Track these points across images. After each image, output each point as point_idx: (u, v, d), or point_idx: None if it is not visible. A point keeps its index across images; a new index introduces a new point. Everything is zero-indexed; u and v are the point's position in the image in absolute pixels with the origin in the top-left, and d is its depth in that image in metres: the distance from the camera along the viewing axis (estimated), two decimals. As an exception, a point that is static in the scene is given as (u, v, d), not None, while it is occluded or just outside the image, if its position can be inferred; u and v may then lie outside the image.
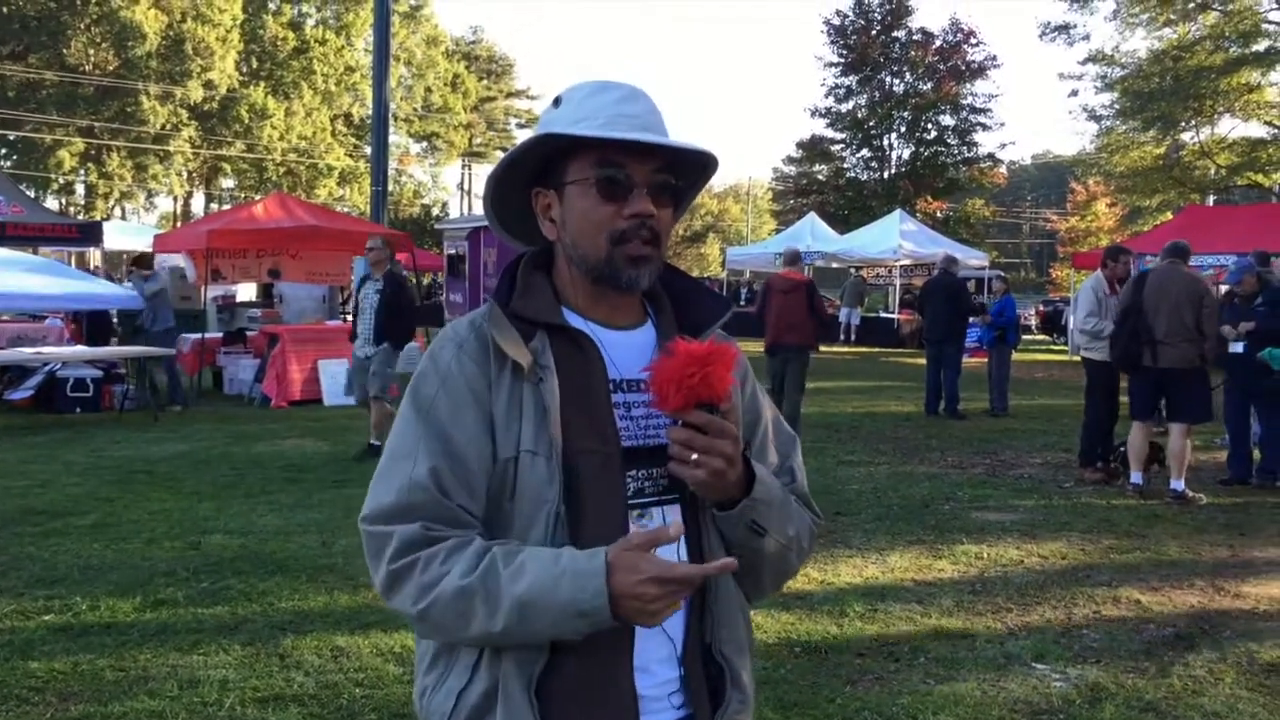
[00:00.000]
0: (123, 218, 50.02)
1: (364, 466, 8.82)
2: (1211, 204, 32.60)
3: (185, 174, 53.95)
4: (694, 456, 1.43)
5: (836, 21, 45.30)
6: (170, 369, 13.44)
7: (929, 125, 45.31)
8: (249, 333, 15.57)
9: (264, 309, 17.19)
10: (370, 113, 24.38)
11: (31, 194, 38.11)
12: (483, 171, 73.72)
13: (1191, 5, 30.63)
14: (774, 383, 11.08)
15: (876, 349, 26.88)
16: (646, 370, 1.47)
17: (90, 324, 15.41)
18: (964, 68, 44.05)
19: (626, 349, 1.57)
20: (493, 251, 22.62)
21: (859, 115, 46.02)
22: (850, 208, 43.18)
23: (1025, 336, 26.83)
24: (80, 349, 13.68)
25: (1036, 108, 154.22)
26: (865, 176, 46.92)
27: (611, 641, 1.46)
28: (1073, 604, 5.71)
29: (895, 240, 27.97)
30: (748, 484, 1.51)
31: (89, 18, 46.05)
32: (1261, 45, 30.13)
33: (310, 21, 56.39)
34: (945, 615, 5.46)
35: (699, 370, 1.39)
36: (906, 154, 46.10)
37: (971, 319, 14.35)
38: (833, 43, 45.56)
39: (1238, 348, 9.04)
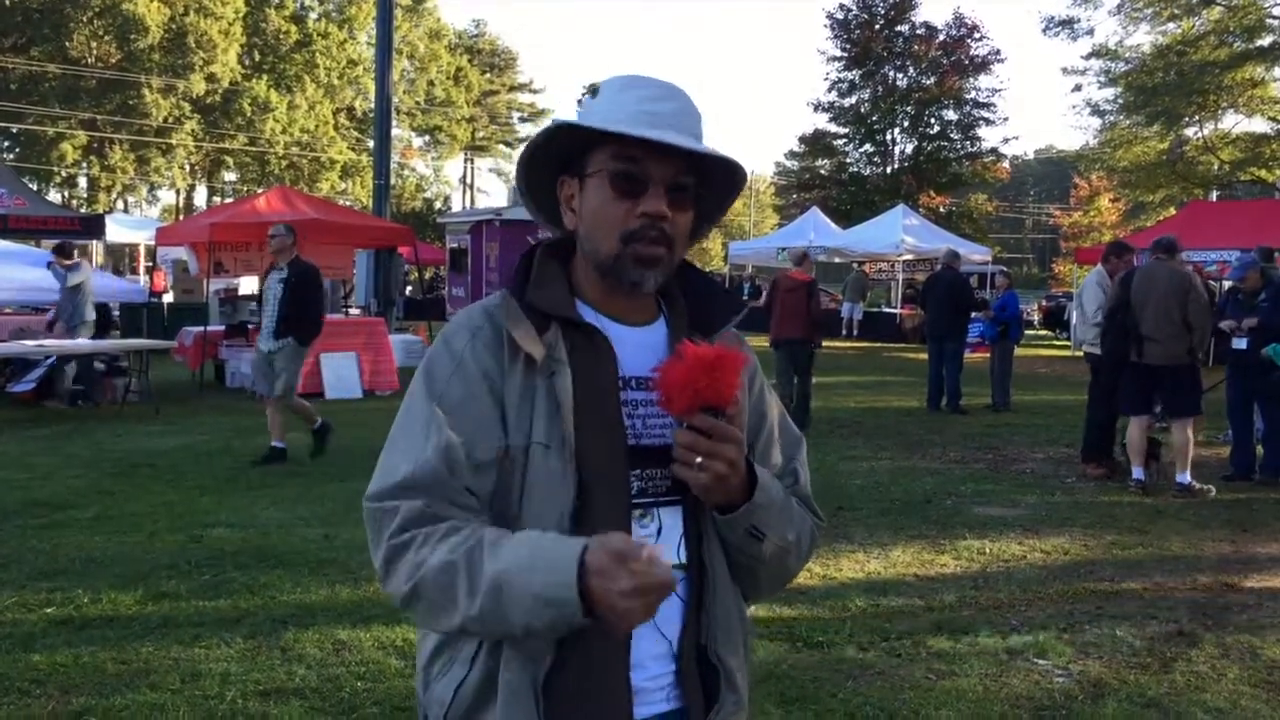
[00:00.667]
0: (125, 211, 50.11)
1: (358, 462, 8.79)
2: (1215, 199, 32.55)
3: (187, 167, 53.99)
4: (698, 460, 1.42)
5: (840, 15, 45.21)
6: (88, 368, 12.99)
7: (932, 120, 45.24)
8: (251, 325, 15.54)
9: (266, 302, 17.16)
10: (373, 106, 24.37)
11: (34, 187, 38.10)
12: (485, 165, 73.81)
13: (1195, 0, 30.57)
14: (780, 375, 11.67)
15: (879, 344, 26.85)
16: (655, 371, 1.47)
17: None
18: (967, 62, 43.97)
19: (637, 346, 1.57)
20: (494, 245, 22.64)
21: (862, 110, 45.94)
22: (853, 202, 43.11)
23: (1028, 332, 26.78)
24: (83, 342, 13.67)
25: (1040, 102, 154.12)
26: (868, 171, 46.87)
27: (610, 639, 1.45)
28: (1075, 599, 5.70)
29: (898, 235, 27.94)
30: (749, 488, 1.50)
31: (91, 10, 46.06)
32: (1266, 40, 30.10)
33: (313, 15, 56.39)
34: (947, 610, 5.45)
35: (706, 375, 1.39)
36: (909, 148, 46.05)
37: (974, 314, 14.33)
38: (836, 37, 45.48)
39: (1241, 344, 9.03)
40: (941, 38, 44.16)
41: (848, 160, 47.70)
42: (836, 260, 32.70)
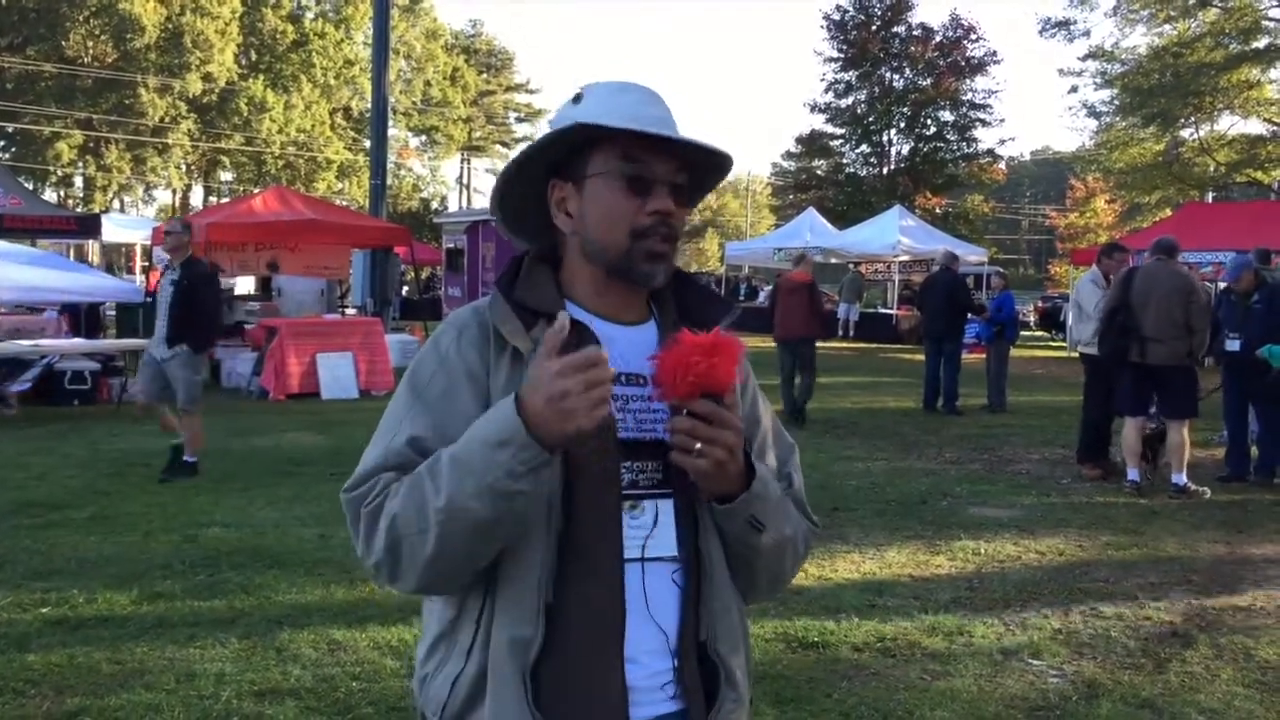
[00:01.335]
0: (121, 210, 50.02)
1: (354, 463, 8.79)
2: (1210, 201, 32.60)
3: (184, 167, 53.88)
4: (697, 446, 1.44)
5: (836, 16, 45.24)
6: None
7: (928, 121, 45.29)
8: (247, 326, 15.56)
9: (262, 302, 17.17)
10: (369, 106, 24.36)
11: (30, 186, 38.03)
12: (482, 165, 73.76)
13: (1192, 2, 30.63)
14: (784, 371, 12.46)
15: (875, 344, 26.85)
16: (652, 359, 1.49)
17: (86, 318, 15.37)
18: (964, 63, 44.01)
19: (627, 344, 1.58)
20: (491, 246, 22.62)
21: (858, 111, 45.97)
22: (849, 203, 43.12)
23: (1024, 333, 26.80)
24: (79, 341, 13.67)
25: (1036, 104, 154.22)
26: (864, 172, 46.90)
27: (601, 632, 1.47)
28: (1070, 600, 5.71)
29: (894, 236, 27.97)
30: (748, 479, 1.52)
31: (88, 10, 45.97)
32: (1261, 42, 30.16)
33: (309, 15, 56.28)
34: (942, 611, 5.46)
35: (704, 360, 1.40)
36: (906, 149, 46.08)
37: (970, 316, 14.34)
38: (832, 38, 45.50)
39: (1234, 345, 9.04)
40: (938, 39, 44.20)
41: (844, 161, 47.74)
42: (833, 261, 32.70)
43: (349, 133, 57.61)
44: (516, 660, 1.45)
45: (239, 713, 4.04)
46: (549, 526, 1.47)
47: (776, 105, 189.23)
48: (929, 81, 44.37)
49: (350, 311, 19.37)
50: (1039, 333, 33.11)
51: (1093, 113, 35.35)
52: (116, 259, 38.83)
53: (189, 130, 50.15)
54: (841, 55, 45.45)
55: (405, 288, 30.86)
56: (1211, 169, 33.10)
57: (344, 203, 48.72)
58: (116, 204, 52.22)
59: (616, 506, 1.51)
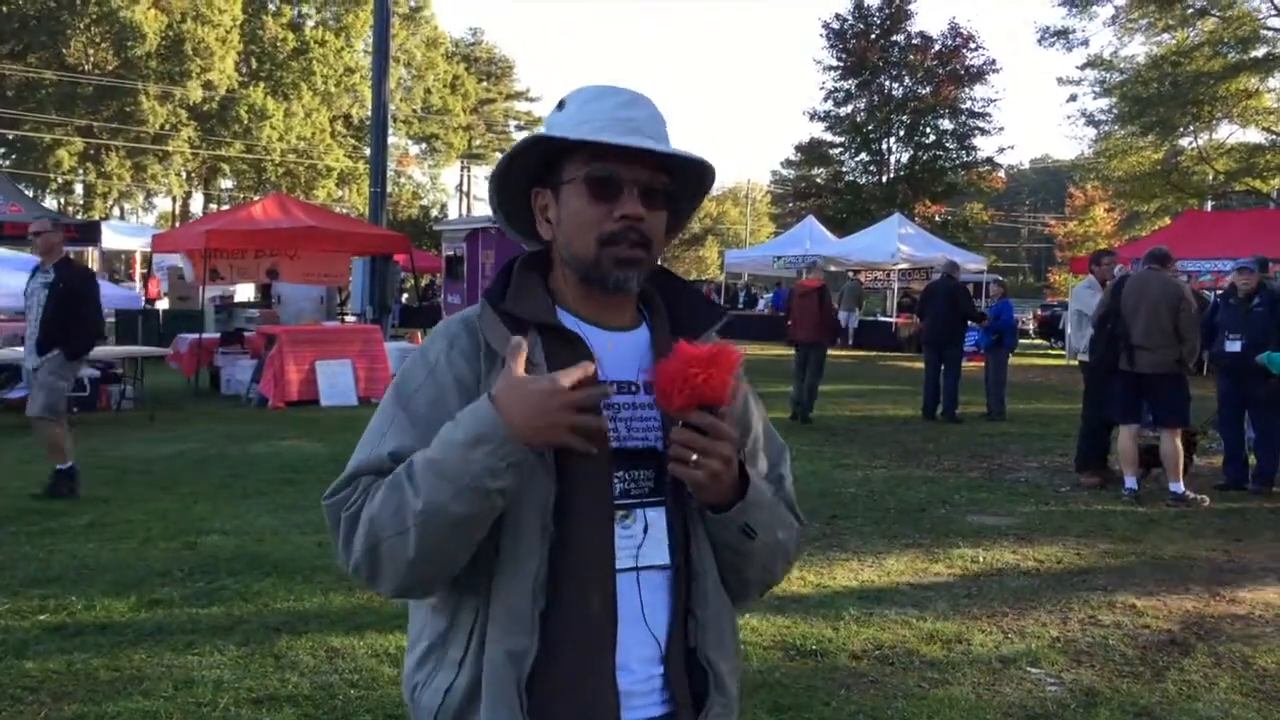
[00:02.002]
0: (121, 217, 50.09)
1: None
2: (1209, 209, 32.64)
3: (184, 174, 53.97)
4: (694, 457, 1.44)
5: (835, 25, 45.36)
6: None
7: (928, 129, 45.37)
8: (246, 333, 15.57)
9: (262, 309, 17.19)
10: (369, 114, 24.40)
11: (30, 193, 38.07)
12: (482, 173, 73.74)
13: (1190, 11, 30.69)
14: (796, 372, 13.30)
15: (874, 352, 26.87)
16: (647, 371, 1.50)
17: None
18: (963, 72, 44.10)
19: (618, 351, 1.58)
20: (490, 253, 22.64)
21: (858, 119, 46.05)
22: (849, 211, 43.20)
23: (1023, 341, 26.84)
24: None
25: (1035, 112, 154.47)
26: (864, 180, 46.96)
27: (593, 641, 1.48)
28: (1068, 608, 5.71)
29: (893, 244, 28.01)
30: (742, 487, 1.53)
31: (89, 17, 46.06)
32: (1260, 51, 30.20)
33: (310, 23, 56.41)
34: (940, 619, 5.46)
35: (703, 371, 1.41)
36: (905, 158, 46.16)
37: (970, 324, 14.36)
38: (832, 46, 45.59)
39: (1235, 346, 9.05)
40: (937, 48, 44.29)
41: (844, 169, 47.81)
42: (832, 269, 32.74)
43: (349, 140, 57.68)
44: (513, 671, 1.45)
45: (237, 719, 4.04)
46: (541, 535, 1.47)
47: (776, 113, 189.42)
48: (928, 90, 44.46)
49: (350, 319, 19.38)
50: (1038, 341, 33.17)
51: (1091, 121, 35.40)
52: (117, 266, 38.85)
53: (189, 138, 50.22)
54: (841, 64, 45.55)
55: (405, 295, 30.90)
56: (1210, 177, 33.15)
57: (344, 210, 48.80)
58: (116, 211, 52.28)
59: (609, 516, 1.51)
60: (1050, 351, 30.83)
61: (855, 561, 6.57)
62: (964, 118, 45.01)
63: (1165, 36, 32.20)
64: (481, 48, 72.24)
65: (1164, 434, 8.62)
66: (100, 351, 13.40)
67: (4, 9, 45.18)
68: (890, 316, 30.73)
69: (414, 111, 62.05)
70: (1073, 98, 36.67)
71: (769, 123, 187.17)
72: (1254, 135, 32.70)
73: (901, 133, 45.76)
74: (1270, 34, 30.15)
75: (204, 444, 10.46)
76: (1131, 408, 8.69)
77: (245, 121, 51.08)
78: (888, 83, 45.69)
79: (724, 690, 1.58)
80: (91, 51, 46.95)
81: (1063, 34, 33.32)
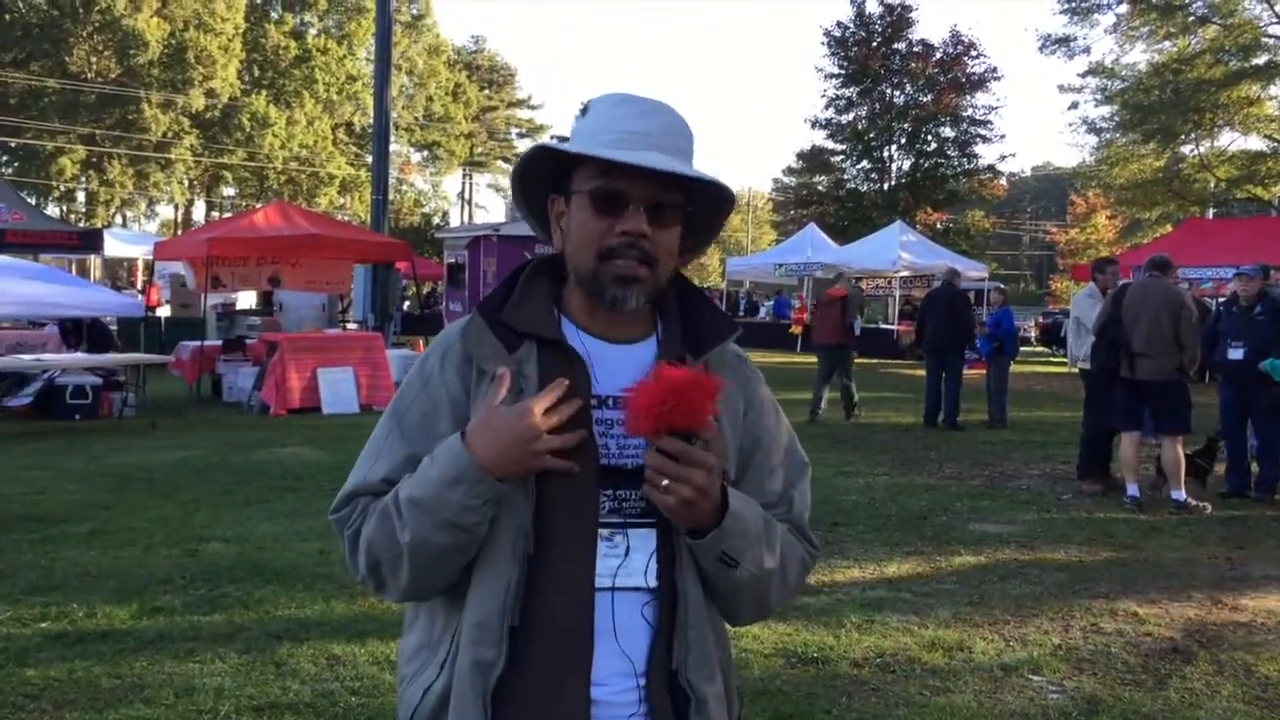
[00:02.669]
0: (123, 225, 50.15)
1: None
2: (1211, 217, 32.64)
3: (186, 182, 54.06)
4: (664, 483, 1.42)
5: (837, 33, 45.34)
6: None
7: (929, 137, 45.34)
8: (248, 340, 15.58)
9: (263, 317, 17.20)
10: (371, 122, 24.44)
11: (32, 201, 38.12)
12: (483, 181, 73.93)
13: (1191, 19, 30.72)
14: (819, 375, 14.23)
15: (875, 360, 26.84)
16: (625, 392, 1.47)
17: (91, 332, 15.38)
18: (964, 80, 44.09)
19: (620, 365, 1.56)
20: (492, 261, 22.67)
21: (859, 127, 46.04)
22: (850, 219, 43.17)
23: (1024, 348, 26.80)
24: (80, 356, 13.67)
25: (1037, 120, 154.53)
26: (865, 188, 46.94)
27: (567, 657, 1.47)
28: (1070, 616, 5.70)
29: (895, 252, 28.01)
30: (723, 514, 1.49)
31: (91, 25, 46.19)
32: (1261, 59, 30.22)
33: (312, 31, 56.54)
34: (942, 627, 5.45)
35: (673, 399, 1.38)
36: (906, 165, 46.12)
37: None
38: (833, 54, 45.60)
39: (1237, 354, 9.05)
40: (938, 55, 44.27)
41: (845, 177, 47.79)
42: (833, 276, 32.74)
43: (351, 148, 57.79)
44: (479, 682, 1.46)
45: (238, 727, 4.03)
46: (514, 552, 1.47)
47: (778, 121, 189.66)
48: (930, 97, 44.45)
49: (351, 326, 19.37)
50: (1040, 348, 33.13)
51: (1093, 129, 35.42)
52: (119, 274, 38.91)
53: (191, 145, 50.32)
54: (842, 71, 45.56)
55: (406, 303, 30.91)
56: (1212, 185, 33.16)
57: (346, 218, 48.86)
58: (119, 219, 52.35)
59: (592, 534, 1.50)
60: (1052, 359, 30.78)
61: (857, 569, 6.56)
62: (965, 125, 45.00)
63: (1166, 44, 32.24)
64: (483, 55, 72.37)
65: (1164, 441, 8.61)
66: (103, 359, 13.45)
67: (6, 17, 45.30)
68: (892, 324, 30.71)
69: (416, 119, 62.17)
70: (1074, 105, 36.73)
71: (770, 130, 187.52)
72: (1255, 143, 32.74)
73: (903, 140, 45.74)
74: (1271, 41, 30.18)
75: (206, 451, 10.46)
76: (1133, 415, 8.69)
77: (247, 129, 51.18)
78: (889, 90, 45.69)
79: (705, 715, 1.54)
80: (94, 59, 47.06)
81: (1064, 41, 33.36)
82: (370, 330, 17.36)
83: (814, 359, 14.74)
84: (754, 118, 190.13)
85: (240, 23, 50.83)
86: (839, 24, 45.41)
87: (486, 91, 70.36)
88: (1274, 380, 8.60)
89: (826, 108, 46.57)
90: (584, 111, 1.60)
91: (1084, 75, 34.28)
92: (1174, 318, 8.36)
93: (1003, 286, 21.35)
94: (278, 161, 52.67)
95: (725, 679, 1.61)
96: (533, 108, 73.40)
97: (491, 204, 74.13)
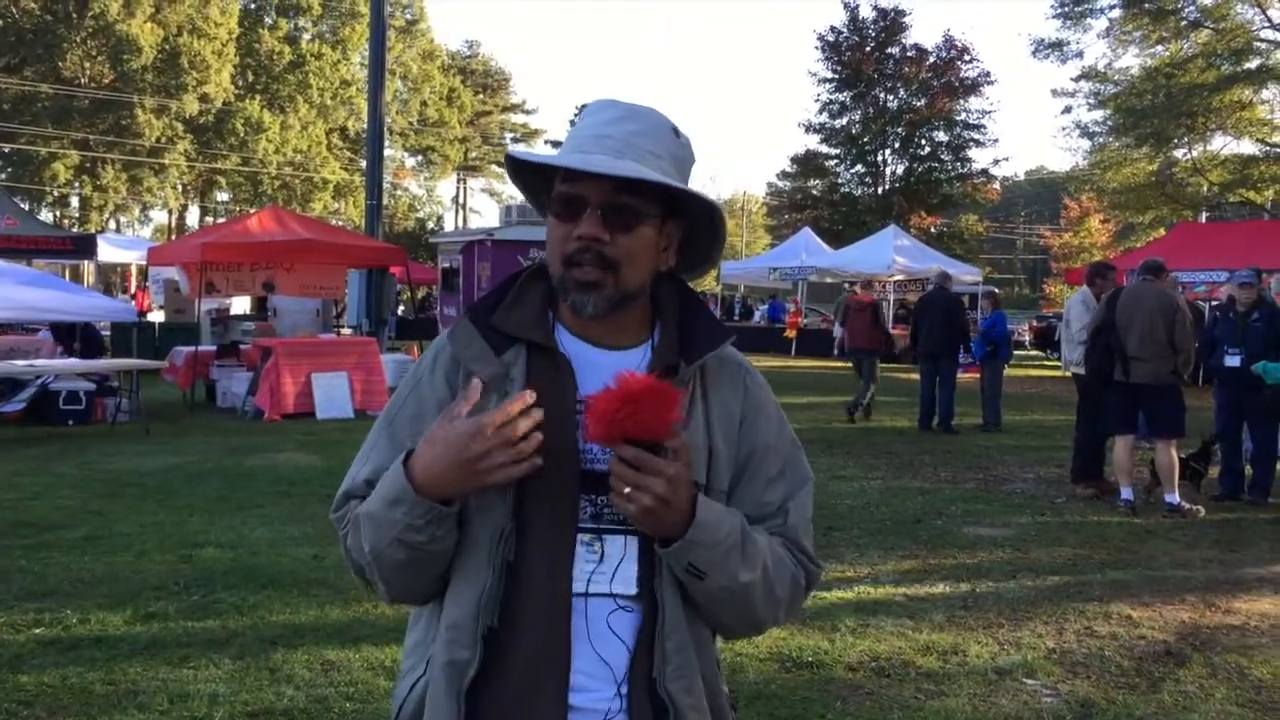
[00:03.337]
0: (117, 230, 50.05)
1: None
2: (1204, 221, 32.74)
3: (180, 187, 53.97)
4: (625, 490, 1.41)
5: (831, 37, 45.48)
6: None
7: (923, 141, 45.47)
8: (242, 346, 15.56)
9: (258, 322, 17.18)
10: (366, 126, 24.43)
11: (26, 206, 38.05)
12: (478, 185, 73.87)
13: (1184, 23, 30.84)
14: (862, 375, 15.00)
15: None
16: (586, 398, 1.47)
17: (83, 338, 15.36)
18: (958, 84, 44.23)
19: (610, 370, 1.53)
20: (486, 265, 22.68)
21: (853, 131, 46.16)
22: (844, 223, 43.27)
23: (1018, 352, 26.83)
24: (73, 361, 13.65)
25: (1030, 124, 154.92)
26: (859, 192, 47.06)
27: (544, 661, 1.47)
28: (1064, 619, 5.71)
29: (889, 256, 28.04)
30: (689, 522, 1.47)
31: (85, 31, 46.15)
32: (1253, 63, 30.34)
33: (306, 36, 56.54)
34: (936, 630, 5.46)
35: (625, 408, 1.38)
36: (900, 169, 46.25)
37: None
38: (826, 59, 45.73)
39: (1234, 360, 9.07)
40: (932, 60, 44.42)
41: (839, 181, 47.90)
42: (828, 280, 32.79)
43: (345, 153, 57.77)
44: (453, 682, 1.47)
45: (232, 733, 4.03)
46: (491, 556, 1.47)
47: (772, 125, 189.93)
48: (923, 102, 44.58)
49: (346, 331, 19.36)
50: (1034, 352, 33.18)
51: (1086, 133, 35.55)
52: (112, 279, 38.87)
53: (185, 150, 50.25)
54: (836, 76, 45.69)
55: (401, 308, 30.90)
56: (1205, 189, 33.27)
57: (340, 223, 48.84)
58: (112, 224, 52.28)
59: (570, 539, 1.49)
60: (1046, 362, 30.83)
61: (851, 573, 6.57)
62: (959, 129, 45.14)
63: (1159, 49, 32.37)
64: (478, 60, 72.38)
65: (1158, 445, 8.63)
66: (95, 364, 13.43)
67: (0, 22, 45.23)
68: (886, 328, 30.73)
69: (410, 124, 62.15)
70: (1067, 109, 36.79)
71: (765, 135, 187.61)
72: (1248, 147, 32.88)
73: (897, 144, 45.87)
74: (1263, 46, 30.30)
75: (200, 457, 10.44)
76: (1127, 419, 8.71)
77: (241, 134, 51.15)
78: (883, 95, 45.80)
79: None
80: (88, 65, 47.01)
81: (1057, 46, 33.49)
82: (365, 335, 17.34)
83: (808, 364, 14.86)
84: (748, 122, 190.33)
85: (234, 28, 50.79)
86: (832, 28, 45.62)
87: (481, 96, 70.35)
88: (1267, 383, 8.63)
89: (820, 112, 46.77)
90: (580, 115, 1.64)
91: (1077, 80, 34.46)
92: (1168, 321, 8.38)
93: (996, 290, 21.39)
94: (272, 166, 52.63)
95: (710, 691, 1.57)
96: (527, 112, 73.43)
97: (486, 209, 74.22)
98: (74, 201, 51.74)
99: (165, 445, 11.19)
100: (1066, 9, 32.52)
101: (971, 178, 45.34)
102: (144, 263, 24.10)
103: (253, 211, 27.58)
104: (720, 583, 1.50)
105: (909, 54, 44.74)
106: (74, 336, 15.04)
